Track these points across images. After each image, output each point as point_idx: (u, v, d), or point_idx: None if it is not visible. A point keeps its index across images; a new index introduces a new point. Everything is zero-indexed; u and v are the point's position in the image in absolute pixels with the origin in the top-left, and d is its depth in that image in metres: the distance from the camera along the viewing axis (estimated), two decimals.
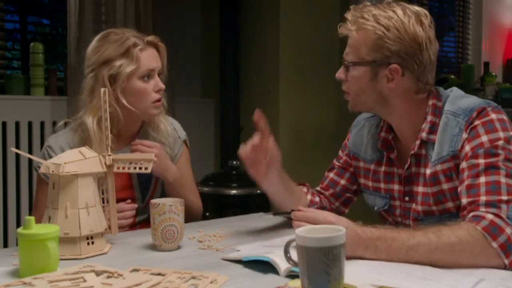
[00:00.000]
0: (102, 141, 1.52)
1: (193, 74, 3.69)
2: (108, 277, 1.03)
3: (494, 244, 1.13)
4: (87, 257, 1.25)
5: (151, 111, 1.67)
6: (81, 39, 2.85)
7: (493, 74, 4.25)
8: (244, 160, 1.40)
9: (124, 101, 1.61)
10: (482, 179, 1.23)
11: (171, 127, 1.79)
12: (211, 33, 3.64)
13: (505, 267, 1.14)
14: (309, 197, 1.58)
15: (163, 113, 1.75)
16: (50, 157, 1.58)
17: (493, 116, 1.29)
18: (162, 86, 1.66)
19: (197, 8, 3.69)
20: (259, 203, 2.93)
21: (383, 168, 1.46)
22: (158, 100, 1.66)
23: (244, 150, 1.38)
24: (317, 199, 1.58)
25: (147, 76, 1.64)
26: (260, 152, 1.38)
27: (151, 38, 1.66)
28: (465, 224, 1.17)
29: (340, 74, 1.40)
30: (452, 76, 4.15)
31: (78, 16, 2.91)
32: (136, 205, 1.61)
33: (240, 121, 3.51)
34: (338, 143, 1.61)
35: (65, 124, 1.75)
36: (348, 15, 1.36)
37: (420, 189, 1.38)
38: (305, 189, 1.60)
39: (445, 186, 1.33)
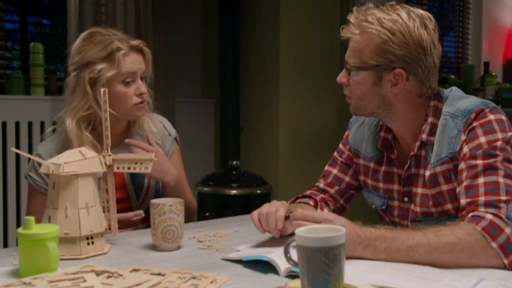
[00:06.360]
0: (82, 142, 1.52)
1: (193, 74, 3.69)
2: (108, 277, 1.03)
3: (494, 244, 1.14)
4: (87, 257, 1.25)
5: (133, 113, 1.64)
6: None
7: (493, 74, 4.26)
8: (256, 227, 1.32)
9: None
10: (481, 180, 1.23)
11: (160, 125, 1.77)
12: (211, 33, 3.64)
13: (504, 267, 1.14)
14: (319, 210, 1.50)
15: (149, 113, 1.72)
16: (40, 165, 1.58)
17: (491, 117, 1.28)
18: (144, 90, 1.63)
19: (197, 8, 3.70)
20: (259, 203, 2.90)
21: (383, 168, 1.45)
22: (141, 103, 1.63)
23: (257, 219, 1.31)
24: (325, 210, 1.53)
25: (129, 79, 1.61)
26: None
27: (135, 42, 1.62)
28: (465, 224, 1.17)
29: (341, 78, 1.37)
30: (452, 76, 4.15)
31: (78, 16, 2.91)
32: (142, 211, 1.59)
33: (240, 121, 3.51)
34: (338, 143, 1.60)
35: (54, 130, 1.73)
36: (351, 18, 1.33)
37: (419, 190, 1.37)
38: (311, 202, 1.53)
39: (444, 187, 1.33)
